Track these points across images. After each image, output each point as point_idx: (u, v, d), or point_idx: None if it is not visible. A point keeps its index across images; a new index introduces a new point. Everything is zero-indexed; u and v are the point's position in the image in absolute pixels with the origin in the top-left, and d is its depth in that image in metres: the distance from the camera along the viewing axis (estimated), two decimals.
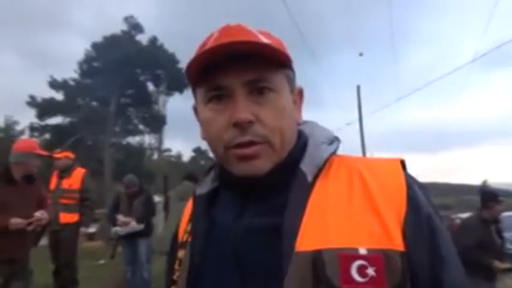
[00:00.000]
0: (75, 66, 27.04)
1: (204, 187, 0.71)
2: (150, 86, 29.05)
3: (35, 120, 25.64)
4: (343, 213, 0.55)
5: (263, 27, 0.65)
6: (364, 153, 15.67)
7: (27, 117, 29.43)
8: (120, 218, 4.77)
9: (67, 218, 4.55)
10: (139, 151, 29.97)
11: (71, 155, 4.91)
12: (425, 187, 0.61)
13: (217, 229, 0.63)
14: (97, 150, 25.23)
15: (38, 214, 3.02)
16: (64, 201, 4.55)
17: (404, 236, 0.53)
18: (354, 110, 17.05)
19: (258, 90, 0.59)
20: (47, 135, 25.98)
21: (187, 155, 41.06)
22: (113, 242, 5.30)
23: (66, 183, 4.65)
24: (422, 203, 0.57)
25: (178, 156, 39.70)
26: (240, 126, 0.57)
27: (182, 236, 0.70)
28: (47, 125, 26.21)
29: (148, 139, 31.09)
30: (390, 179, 0.58)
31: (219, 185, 0.69)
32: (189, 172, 5.08)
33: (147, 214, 4.90)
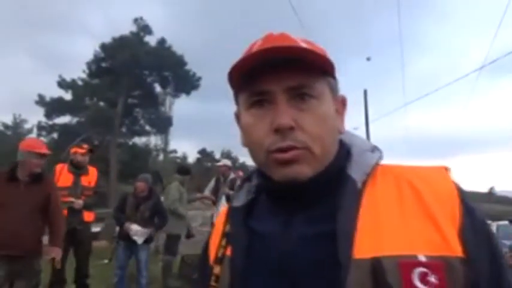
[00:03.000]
0: (84, 67, 27.37)
1: (240, 200, 0.70)
2: (157, 88, 29.27)
3: (43, 119, 25.96)
4: (397, 219, 0.54)
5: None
6: None
7: (35, 116, 29.80)
8: (133, 227, 4.59)
9: (89, 216, 4.53)
10: (145, 152, 30.16)
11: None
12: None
13: (261, 240, 0.62)
14: (103, 150, 25.40)
15: None
16: (84, 199, 4.46)
17: (462, 242, 0.52)
18: (360, 115, 17.00)
19: (299, 96, 0.59)
20: (55, 135, 26.26)
21: (192, 157, 41.22)
22: (116, 241, 5.30)
23: (85, 181, 4.56)
24: (476, 208, 0.56)
25: (184, 158, 39.85)
26: (281, 131, 0.57)
27: (216, 251, 0.68)
28: (54, 124, 26.49)
29: (154, 140, 31.36)
30: (441, 185, 0.57)
31: (255, 196, 0.69)
32: (181, 165, 5.12)
33: (158, 224, 4.82)
